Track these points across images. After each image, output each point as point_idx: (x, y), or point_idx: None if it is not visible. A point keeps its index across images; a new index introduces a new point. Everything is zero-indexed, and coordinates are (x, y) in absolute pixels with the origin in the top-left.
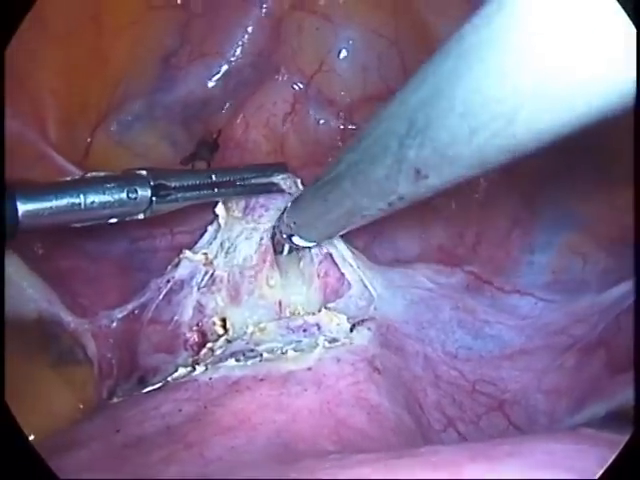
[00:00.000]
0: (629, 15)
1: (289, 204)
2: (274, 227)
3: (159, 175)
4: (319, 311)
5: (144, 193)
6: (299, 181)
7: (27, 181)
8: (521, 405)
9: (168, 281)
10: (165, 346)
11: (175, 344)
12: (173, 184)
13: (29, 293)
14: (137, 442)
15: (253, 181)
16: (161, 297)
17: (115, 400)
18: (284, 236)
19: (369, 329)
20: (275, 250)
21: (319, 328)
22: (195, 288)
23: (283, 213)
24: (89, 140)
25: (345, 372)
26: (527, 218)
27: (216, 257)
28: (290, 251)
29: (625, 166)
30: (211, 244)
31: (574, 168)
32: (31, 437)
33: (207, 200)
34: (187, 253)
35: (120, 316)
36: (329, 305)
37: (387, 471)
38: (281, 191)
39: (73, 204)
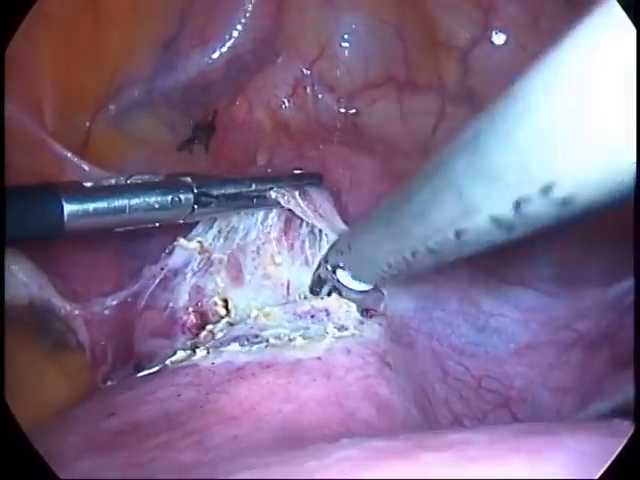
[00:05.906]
0: (629, 15)
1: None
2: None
3: (202, 183)
4: (328, 295)
5: (188, 200)
6: (297, 193)
7: (72, 183)
8: (527, 402)
9: (162, 269)
10: (162, 331)
11: (172, 328)
12: (215, 193)
13: (20, 277)
14: (132, 427)
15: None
16: (155, 284)
17: (109, 384)
18: (329, 268)
19: (380, 324)
20: (312, 289)
21: (328, 314)
22: (190, 274)
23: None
24: (88, 127)
25: (355, 365)
26: None
27: (212, 244)
28: (329, 293)
29: None
30: (207, 233)
31: None
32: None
33: (244, 210)
34: (181, 241)
35: (113, 303)
36: None
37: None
38: (279, 205)
39: (118, 208)
